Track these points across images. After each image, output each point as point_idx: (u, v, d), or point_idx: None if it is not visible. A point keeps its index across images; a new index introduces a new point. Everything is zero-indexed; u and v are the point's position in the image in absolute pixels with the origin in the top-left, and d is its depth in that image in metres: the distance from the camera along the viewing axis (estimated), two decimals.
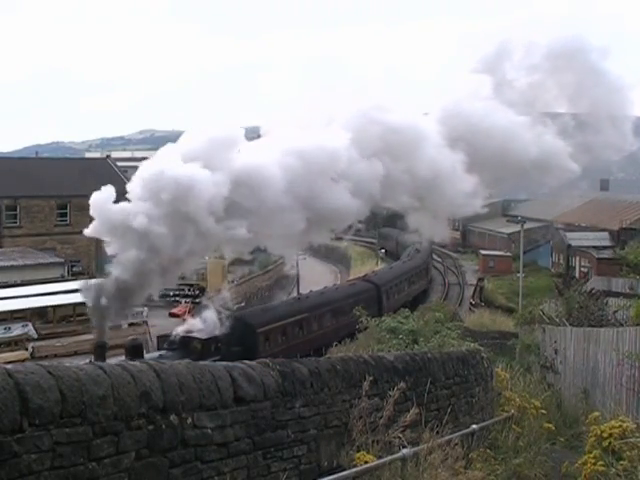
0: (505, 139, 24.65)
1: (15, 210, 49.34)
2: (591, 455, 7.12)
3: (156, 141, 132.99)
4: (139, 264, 21.63)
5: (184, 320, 37.98)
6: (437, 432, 7.02)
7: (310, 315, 33.62)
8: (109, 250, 22.79)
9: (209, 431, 4.69)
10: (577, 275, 52.89)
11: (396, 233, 70.94)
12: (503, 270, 62.15)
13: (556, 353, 17.57)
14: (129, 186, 22.69)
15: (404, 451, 6.07)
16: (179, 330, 26.62)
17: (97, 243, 38.11)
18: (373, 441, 6.23)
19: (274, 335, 30.13)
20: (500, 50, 26.06)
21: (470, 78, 25.95)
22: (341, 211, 24.53)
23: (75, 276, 43.26)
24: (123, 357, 21.60)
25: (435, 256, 69.85)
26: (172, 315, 49.20)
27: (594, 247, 56.67)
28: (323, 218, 24.96)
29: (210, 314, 27.34)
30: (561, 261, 62.26)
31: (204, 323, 26.71)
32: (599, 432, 7.29)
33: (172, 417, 4.38)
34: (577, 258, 58.73)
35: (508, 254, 65.45)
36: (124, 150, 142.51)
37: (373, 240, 78.57)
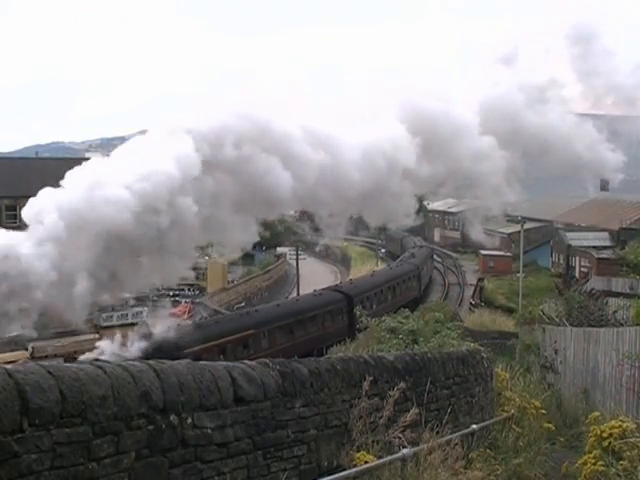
0: (560, 143, 24.58)
1: (15, 210, 49.25)
2: (591, 455, 7.12)
3: None
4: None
5: (184, 320, 37.64)
6: (437, 432, 7.01)
7: (258, 332, 30.70)
8: None
9: (209, 431, 4.68)
10: (577, 275, 52.94)
11: (401, 235, 70.45)
12: (503, 270, 62.16)
13: (556, 353, 17.57)
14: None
15: (404, 451, 6.07)
16: (89, 355, 24.06)
17: None
18: (373, 441, 6.22)
19: (208, 356, 26.74)
20: (519, 44, 26.05)
21: (496, 74, 25.78)
22: (399, 210, 24.67)
23: None
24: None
25: (435, 256, 69.65)
26: (172, 315, 49.21)
27: (594, 247, 56.71)
28: (379, 213, 25.10)
29: (130, 335, 25.39)
30: (561, 261, 62.28)
31: (120, 346, 24.67)
32: (599, 432, 7.29)
33: (172, 417, 4.38)
34: (577, 258, 58.74)
35: (508, 254, 65.48)
36: None
37: (373, 240, 78.47)
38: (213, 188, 21.28)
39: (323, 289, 41.90)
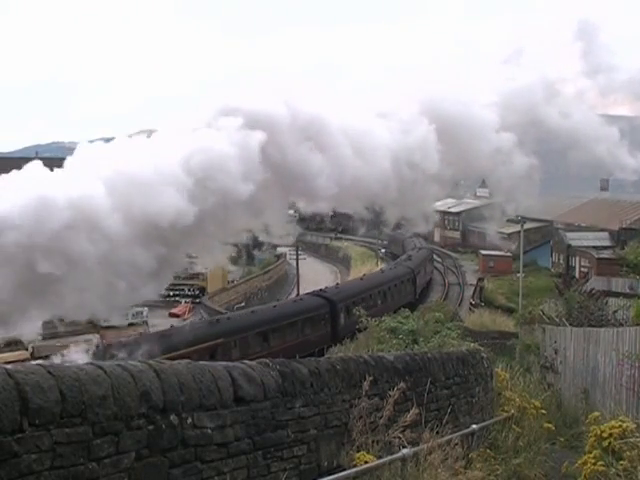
0: (581, 141, 24.34)
1: None
2: (591, 455, 7.12)
3: None
4: None
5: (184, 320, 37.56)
6: (437, 432, 7.01)
7: (228, 340, 29.22)
8: None
9: (209, 431, 4.68)
10: (577, 275, 52.91)
11: (403, 236, 70.26)
12: (503, 270, 62.13)
13: (556, 353, 17.58)
14: None
15: (404, 451, 6.07)
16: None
17: None
18: (373, 441, 6.22)
19: None
20: (522, 42, 25.82)
21: (508, 71, 25.54)
22: (420, 215, 24.75)
23: None
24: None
25: (435, 256, 69.55)
26: (172, 315, 49.33)
27: (594, 247, 56.70)
28: (399, 217, 25.23)
29: (82, 346, 24.45)
30: (561, 261, 62.26)
31: (68, 359, 23.04)
32: (599, 432, 7.29)
33: (172, 417, 4.38)
34: (577, 258, 58.72)
35: (508, 254, 65.43)
36: None
37: (373, 240, 78.40)
38: (261, 186, 20.61)
39: (305, 294, 40.24)
